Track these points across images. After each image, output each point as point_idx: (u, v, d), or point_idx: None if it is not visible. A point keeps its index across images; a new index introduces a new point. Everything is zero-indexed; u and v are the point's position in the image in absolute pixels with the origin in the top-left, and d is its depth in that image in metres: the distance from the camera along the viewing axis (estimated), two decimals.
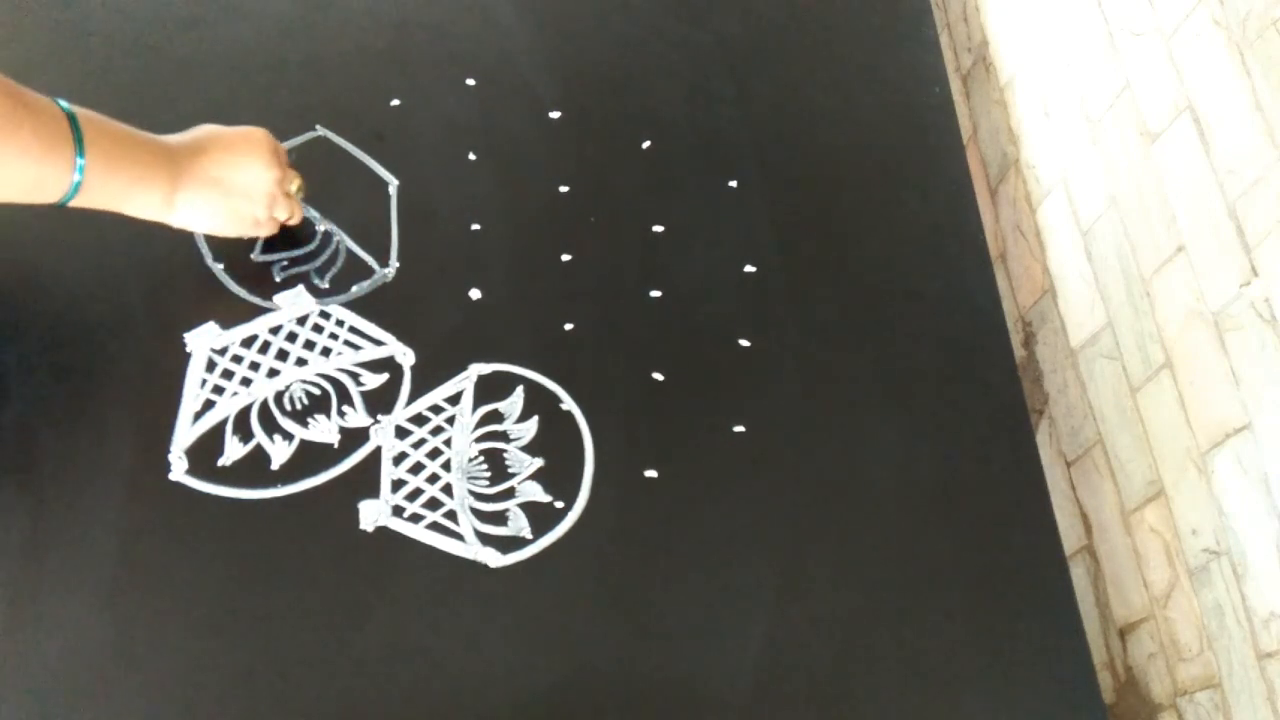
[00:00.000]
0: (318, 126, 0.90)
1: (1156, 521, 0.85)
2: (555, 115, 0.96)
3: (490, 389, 0.82)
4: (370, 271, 0.85)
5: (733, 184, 0.95)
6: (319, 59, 0.94)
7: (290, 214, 0.80)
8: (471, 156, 0.92)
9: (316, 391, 0.79)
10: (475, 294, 0.86)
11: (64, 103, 0.63)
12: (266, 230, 0.79)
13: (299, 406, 0.78)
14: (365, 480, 0.76)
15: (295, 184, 0.79)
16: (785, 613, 0.77)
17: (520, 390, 0.82)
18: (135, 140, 0.67)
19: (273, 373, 0.79)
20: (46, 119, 0.61)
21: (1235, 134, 0.76)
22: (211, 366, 0.78)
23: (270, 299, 0.82)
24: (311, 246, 0.85)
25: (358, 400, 0.79)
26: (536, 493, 0.78)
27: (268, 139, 0.75)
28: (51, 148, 0.61)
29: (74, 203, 0.65)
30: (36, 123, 0.60)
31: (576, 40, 1.01)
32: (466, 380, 0.82)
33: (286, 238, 0.84)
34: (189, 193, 0.71)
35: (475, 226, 0.89)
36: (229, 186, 0.73)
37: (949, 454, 0.85)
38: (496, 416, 0.80)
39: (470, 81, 0.96)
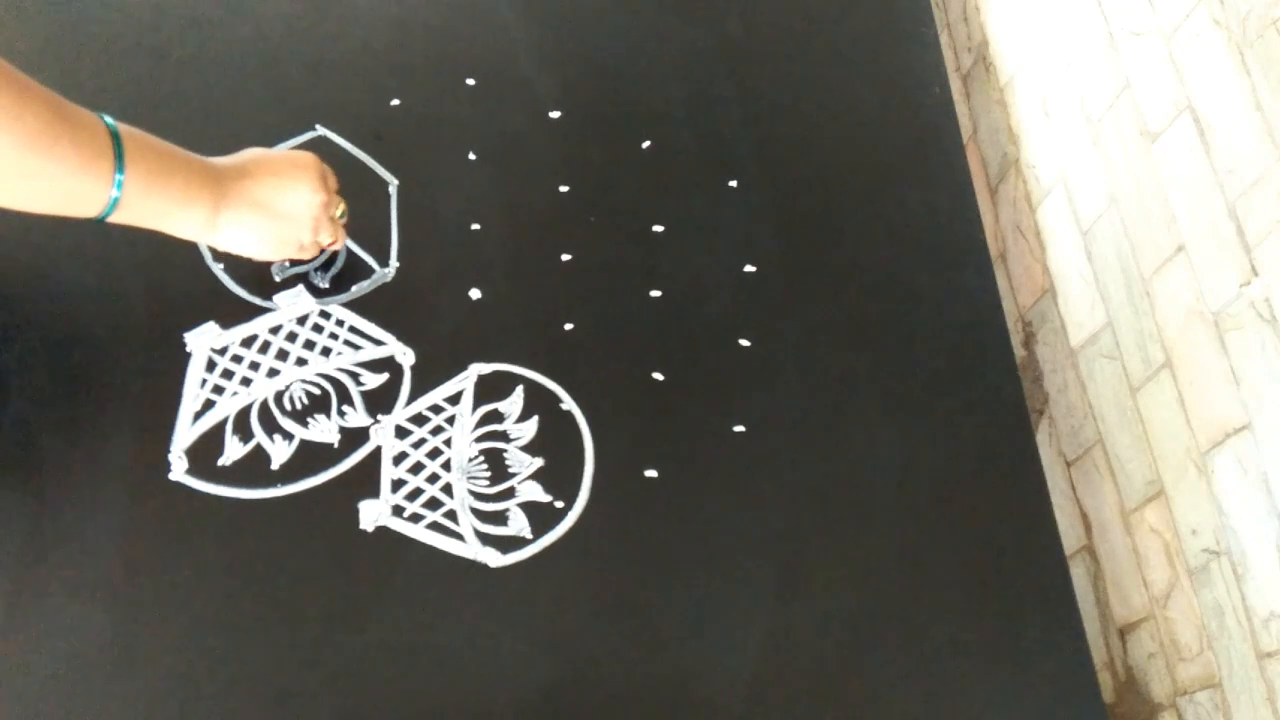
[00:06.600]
0: (318, 126, 0.90)
1: (1156, 521, 0.85)
2: (555, 115, 0.96)
3: (490, 389, 0.82)
4: (370, 271, 0.85)
5: (733, 184, 0.95)
6: (319, 59, 0.94)
7: (334, 238, 0.80)
8: (471, 156, 0.92)
9: (316, 391, 0.79)
10: (475, 294, 0.86)
11: (109, 118, 0.62)
12: (308, 253, 0.78)
13: (299, 406, 0.78)
14: (365, 480, 0.76)
15: (340, 208, 0.79)
16: (785, 612, 0.77)
17: (520, 390, 0.82)
18: (179, 159, 0.67)
19: (273, 372, 0.79)
20: (88, 133, 0.60)
21: (1235, 134, 0.76)
22: (211, 366, 0.79)
23: (270, 299, 0.82)
24: None
25: (358, 400, 0.79)
26: (536, 493, 0.78)
27: (316, 164, 0.75)
28: (90, 162, 0.61)
29: (113, 219, 0.64)
30: (77, 136, 0.59)
31: (576, 40, 1.01)
32: (466, 380, 0.82)
33: None
34: (232, 214, 0.70)
35: (475, 226, 0.89)
36: (274, 210, 0.72)
37: (949, 454, 0.85)
38: (496, 416, 0.81)
39: (470, 81, 0.96)
